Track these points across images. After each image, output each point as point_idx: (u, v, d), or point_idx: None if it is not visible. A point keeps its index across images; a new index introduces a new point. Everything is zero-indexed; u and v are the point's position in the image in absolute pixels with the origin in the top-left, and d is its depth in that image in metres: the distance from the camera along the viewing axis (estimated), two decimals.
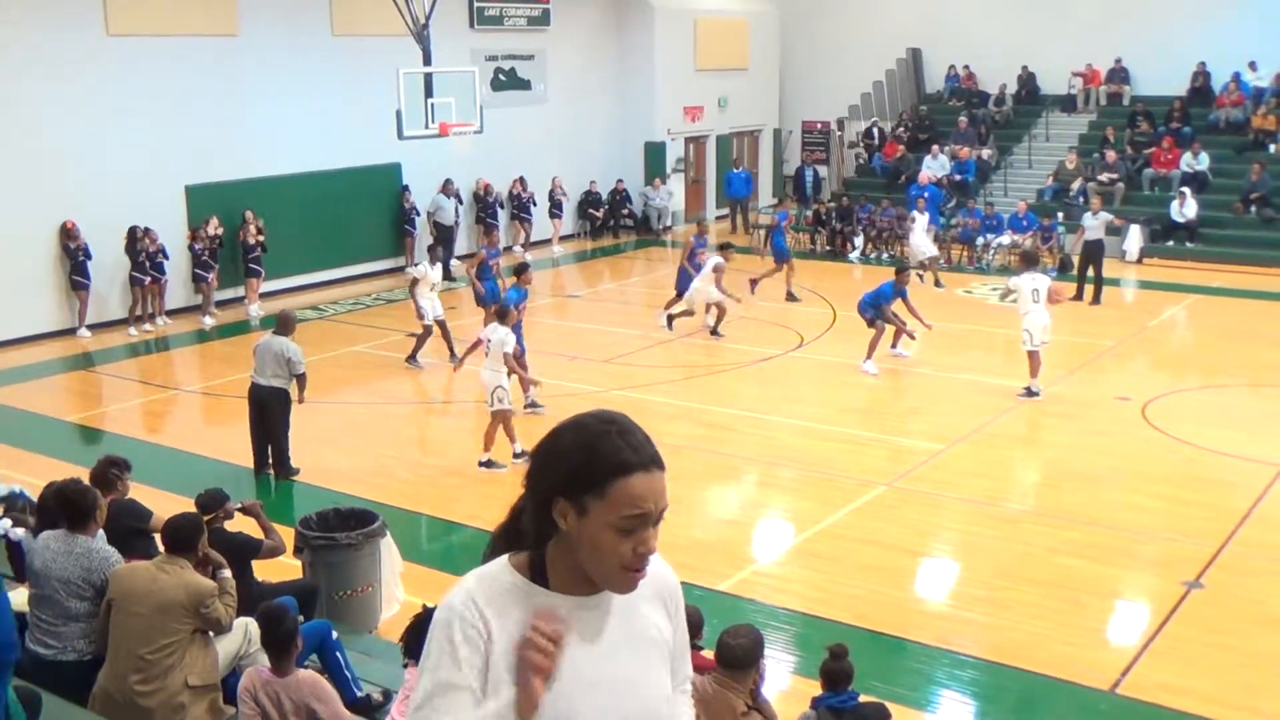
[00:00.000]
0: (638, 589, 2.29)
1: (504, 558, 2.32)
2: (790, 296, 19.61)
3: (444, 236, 22.15)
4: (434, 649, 2.24)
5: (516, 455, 11.95)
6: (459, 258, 22.45)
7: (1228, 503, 10.88)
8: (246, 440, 11.84)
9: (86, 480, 6.90)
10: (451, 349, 15.50)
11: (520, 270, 13.95)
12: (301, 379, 11.52)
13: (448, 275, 22.04)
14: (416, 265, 16.04)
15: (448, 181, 22.43)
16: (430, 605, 6.00)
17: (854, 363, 15.55)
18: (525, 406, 13.44)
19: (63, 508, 6.19)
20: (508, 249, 24.27)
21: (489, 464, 11.96)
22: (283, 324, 11.76)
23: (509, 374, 11.85)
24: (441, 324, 15.68)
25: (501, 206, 24.29)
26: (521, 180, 24.49)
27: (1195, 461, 12.09)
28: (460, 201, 23.36)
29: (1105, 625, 8.88)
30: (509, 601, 2.25)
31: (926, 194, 22.72)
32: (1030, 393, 14.09)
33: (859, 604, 8.94)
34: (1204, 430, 12.88)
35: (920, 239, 21.18)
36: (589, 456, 2.19)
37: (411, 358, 15.76)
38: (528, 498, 2.31)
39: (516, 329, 12.64)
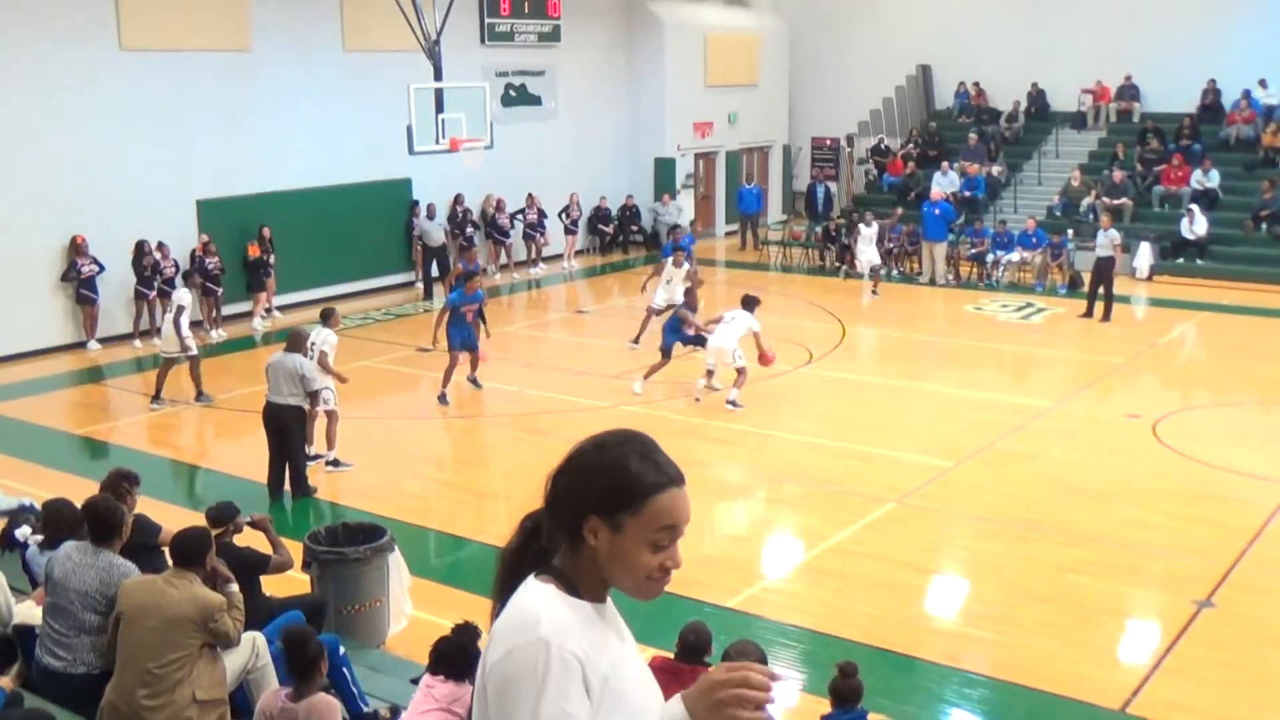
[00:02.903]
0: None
1: (540, 584, 2.32)
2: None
3: (432, 257, 22.17)
4: (545, 684, 2.17)
5: (313, 458, 12.27)
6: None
7: (1239, 520, 10.83)
8: (255, 455, 11.81)
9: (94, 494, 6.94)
10: (200, 387, 15.02)
11: (468, 277, 15.14)
12: (315, 396, 11.56)
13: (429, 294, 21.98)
14: (182, 292, 15.31)
15: (424, 204, 22.25)
16: (467, 621, 5.99)
17: (866, 379, 15.58)
18: (468, 379, 15.14)
19: (92, 522, 6.25)
20: (520, 264, 24.35)
21: (335, 463, 12.43)
22: (294, 341, 11.79)
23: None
24: (195, 359, 14.99)
25: (507, 224, 24.24)
26: (530, 196, 24.51)
27: (1206, 479, 12.04)
28: (473, 215, 23.38)
29: (1115, 644, 8.83)
30: (583, 622, 2.28)
31: (938, 210, 22.75)
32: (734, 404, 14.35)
33: (868, 621, 8.91)
34: (1215, 448, 12.84)
35: (866, 249, 22.39)
36: (624, 477, 2.27)
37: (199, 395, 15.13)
38: (554, 517, 2.34)
39: (467, 329, 14.66)
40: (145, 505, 8.05)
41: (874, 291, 21.96)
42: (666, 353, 15.09)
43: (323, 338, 12.47)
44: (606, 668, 2.25)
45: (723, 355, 14.49)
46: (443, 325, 14.77)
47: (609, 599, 2.41)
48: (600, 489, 2.27)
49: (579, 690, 2.19)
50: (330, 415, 12.44)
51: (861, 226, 22.77)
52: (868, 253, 22.51)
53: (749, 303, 14.73)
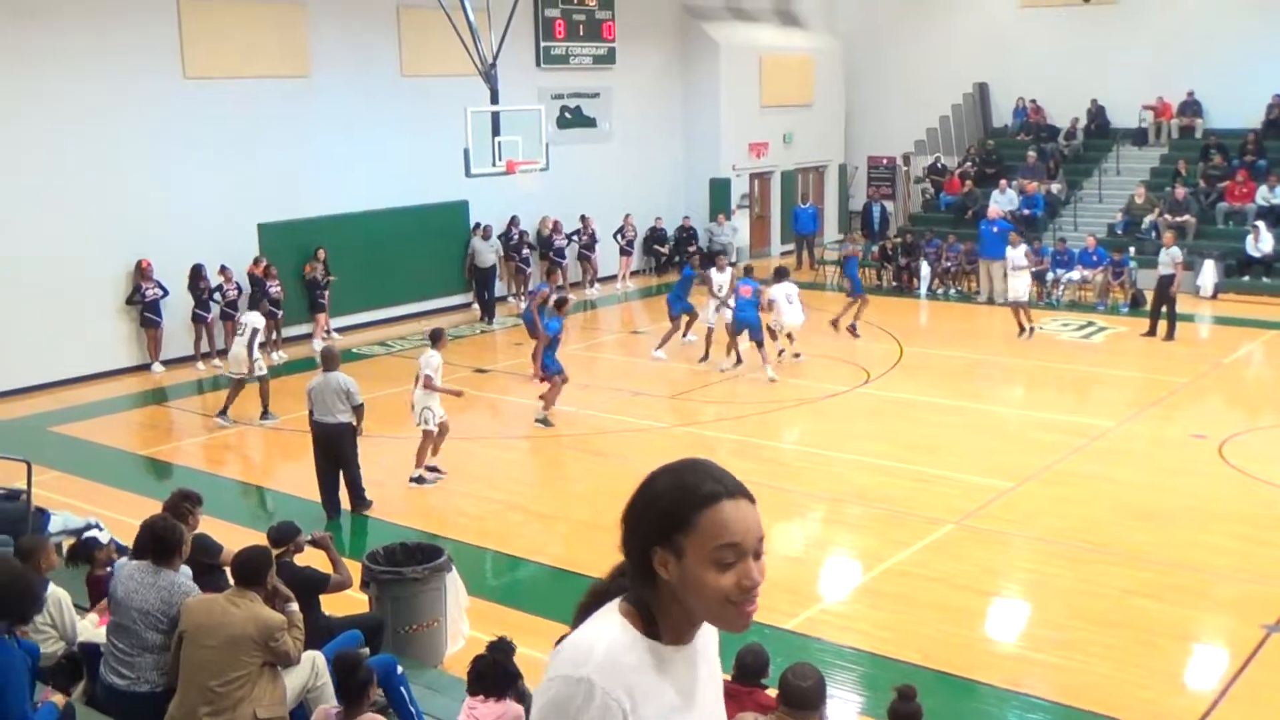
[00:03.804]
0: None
1: (615, 613, 2.24)
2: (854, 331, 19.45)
3: (480, 279, 22.31)
4: None
5: (413, 479, 12.66)
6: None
7: None
8: (314, 474, 11.93)
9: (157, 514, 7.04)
10: (266, 406, 15.37)
11: (560, 303, 15.44)
12: (360, 410, 11.64)
13: (488, 317, 22.04)
14: (251, 313, 15.67)
15: (482, 225, 22.38)
16: (501, 637, 6.03)
17: (924, 399, 15.47)
18: (536, 420, 14.87)
19: (151, 542, 6.34)
20: (575, 285, 24.43)
21: (419, 479, 12.67)
22: (330, 360, 11.94)
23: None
24: (264, 379, 15.39)
25: (564, 245, 24.38)
26: (584, 218, 24.62)
27: (1274, 501, 11.78)
28: (529, 237, 23.52)
29: (1181, 669, 8.67)
30: (640, 666, 2.17)
31: (996, 228, 22.46)
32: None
33: (927, 644, 8.81)
34: None
35: (1016, 279, 19.42)
36: (674, 495, 2.17)
37: (222, 412, 15.36)
38: (628, 557, 2.25)
39: (550, 354, 14.70)
40: (207, 525, 8.15)
41: (1029, 333, 19.22)
42: (761, 338, 16.73)
43: (426, 359, 12.56)
44: (652, 718, 2.16)
45: (795, 331, 17.70)
46: (539, 357, 14.94)
47: (704, 641, 2.30)
48: (655, 515, 2.17)
49: None
50: (434, 432, 12.60)
51: (1009, 250, 19.71)
52: (1018, 284, 19.45)
53: (781, 273, 17.62)
